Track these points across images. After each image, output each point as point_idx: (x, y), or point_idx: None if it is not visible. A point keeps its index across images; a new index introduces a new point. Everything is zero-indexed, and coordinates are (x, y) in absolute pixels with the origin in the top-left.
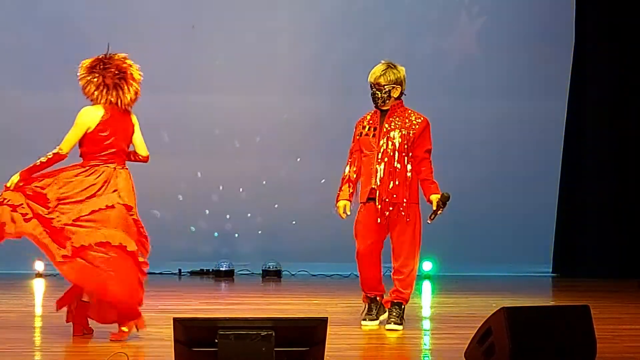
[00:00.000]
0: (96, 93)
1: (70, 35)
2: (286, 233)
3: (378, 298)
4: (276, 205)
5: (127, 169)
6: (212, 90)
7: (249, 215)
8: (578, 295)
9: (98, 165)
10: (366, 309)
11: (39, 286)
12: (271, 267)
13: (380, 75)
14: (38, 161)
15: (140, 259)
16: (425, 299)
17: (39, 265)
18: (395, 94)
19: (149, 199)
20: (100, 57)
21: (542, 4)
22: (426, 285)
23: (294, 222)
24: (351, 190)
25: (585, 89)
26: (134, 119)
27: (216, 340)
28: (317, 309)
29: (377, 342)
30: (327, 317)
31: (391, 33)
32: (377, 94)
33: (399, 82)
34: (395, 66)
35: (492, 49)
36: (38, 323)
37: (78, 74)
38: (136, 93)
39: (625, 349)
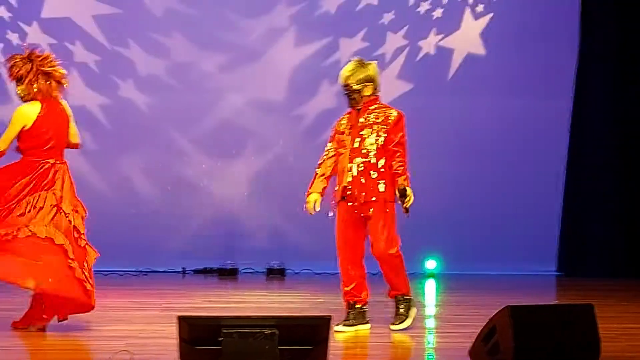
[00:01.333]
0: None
1: (74, 34)
2: (290, 231)
3: (357, 305)
4: (280, 204)
5: (65, 163)
6: (216, 89)
7: (253, 213)
8: (582, 294)
9: (37, 161)
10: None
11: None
12: (275, 265)
13: (349, 76)
14: None
15: (71, 256)
16: (430, 298)
17: None
18: (367, 92)
19: (155, 198)
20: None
21: (547, 2)
22: (430, 284)
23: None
24: (324, 185)
25: (590, 88)
26: (67, 108)
27: (220, 339)
28: (320, 307)
29: (382, 340)
30: (330, 316)
31: (395, 31)
32: (349, 95)
33: (369, 80)
34: (363, 64)
35: (497, 47)
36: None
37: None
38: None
39: (629, 348)
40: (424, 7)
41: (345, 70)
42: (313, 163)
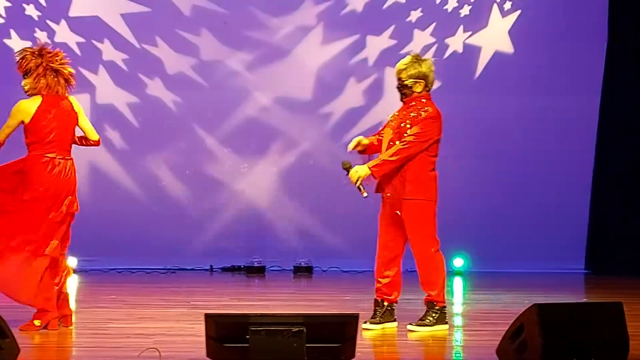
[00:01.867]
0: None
1: (102, 32)
2: (317, 229)
3: (385, 303)
4: (307, 202)
5: (70, 159)
6: (243, 87)
7: (280, 211)
8: (611, 292)
9: (40, 155)
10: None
11: (71, 282)
12: (302, 263)
13: (402, 70)
14: None
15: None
16: (457, 296)
17: (72, 262)
18: (418, 88)
19: (182, 196)
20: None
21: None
22: (458, 282)
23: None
24: (374, 142)
25: (618, 86)
26: (76, 105)
27: (248, 336)
28: (348, 305)
29: (409, 338)
30: (358, 314)
31: (422, 29)
32: (400, 88)
33: (421, 77)
34: (418, 60)
35: (525, 45)
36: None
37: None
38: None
39: None
40: (451, 5)
41: (400, 64)
42: (340, 161)
